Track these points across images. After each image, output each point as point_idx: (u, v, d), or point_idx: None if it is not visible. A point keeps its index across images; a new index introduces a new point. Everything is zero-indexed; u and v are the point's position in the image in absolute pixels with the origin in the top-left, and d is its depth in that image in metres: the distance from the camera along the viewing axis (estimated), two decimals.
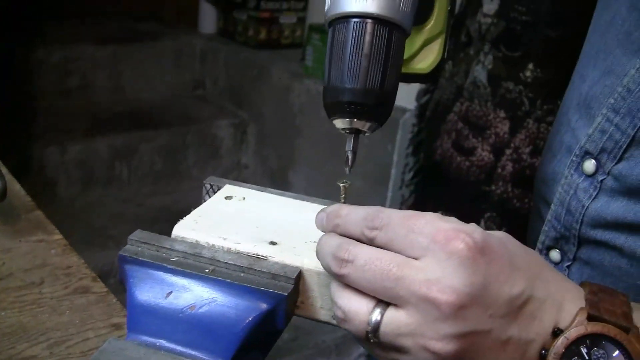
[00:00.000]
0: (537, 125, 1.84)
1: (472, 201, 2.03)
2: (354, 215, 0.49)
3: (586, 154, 0.66)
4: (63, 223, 0.96)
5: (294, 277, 0.51)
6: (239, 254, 0.54)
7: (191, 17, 3.36)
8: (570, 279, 0.50)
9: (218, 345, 0.49)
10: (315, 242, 0.56)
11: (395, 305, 0.45)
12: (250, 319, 0.49)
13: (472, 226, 0.46)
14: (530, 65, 1.86)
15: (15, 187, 0.95)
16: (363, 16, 0.50)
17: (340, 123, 0.53)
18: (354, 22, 0.51)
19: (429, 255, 0.45)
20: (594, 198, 0.64)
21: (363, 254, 0.47)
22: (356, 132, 0.53)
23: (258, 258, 0.53)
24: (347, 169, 0.55)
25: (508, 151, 1.92)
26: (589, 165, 0.65)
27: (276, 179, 2.83)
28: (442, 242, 0.45)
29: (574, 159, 0.67)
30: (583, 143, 0.66)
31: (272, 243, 0.55)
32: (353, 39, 0.51)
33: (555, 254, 0.70)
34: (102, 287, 0.75)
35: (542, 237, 0.72)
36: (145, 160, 2.82)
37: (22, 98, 2.70)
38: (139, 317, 0.50)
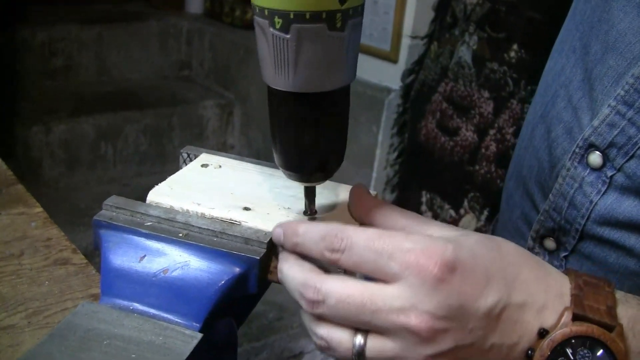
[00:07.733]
0: (521, 106, 1.85)
1: (456, 181, 2.04)
2: (311, 234, 0.48)
3: (590, 147, 0.62)
4: (48, 203, 0.96)
5: (266, 241, 0.51)
6: (212, 219, 0.54)
7: None
8: (554, 270, 0.50)
9: (191, 308, 0.49)
10: (289, 208, 0.57)
11: (376, 332, 0.46)
12: (222, 282, 0.50)
13: (441, 242, 0.45)
14: (515, 46, 1.86)
15: None
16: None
17: None
18: (269, 93, 0.50)
19: (402, 282, 0.44)
20: (603, 194, 0.61)
21: (333, 292, 0.46)
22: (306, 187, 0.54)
23: (232, 223, 0.53)
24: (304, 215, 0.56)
25: (492, 131, 1.92)
26: (595, 158, 0.61)
27: (262, 159, 2.83)
28: (414, 266, 0.44)
29: (577, 150, 0.63)
30: (587, 135, 0.62)
31: (246, 209, 0.55)
32: (269, 111, 0.51)
33: (550, 243, 0.68)
34: (82, 258, 0.75)
35: (536, 226, 0.69)
36: (130, 141, 2.81)
37: (6, 78, 2.68)
38: (113, 280, 0.51)
